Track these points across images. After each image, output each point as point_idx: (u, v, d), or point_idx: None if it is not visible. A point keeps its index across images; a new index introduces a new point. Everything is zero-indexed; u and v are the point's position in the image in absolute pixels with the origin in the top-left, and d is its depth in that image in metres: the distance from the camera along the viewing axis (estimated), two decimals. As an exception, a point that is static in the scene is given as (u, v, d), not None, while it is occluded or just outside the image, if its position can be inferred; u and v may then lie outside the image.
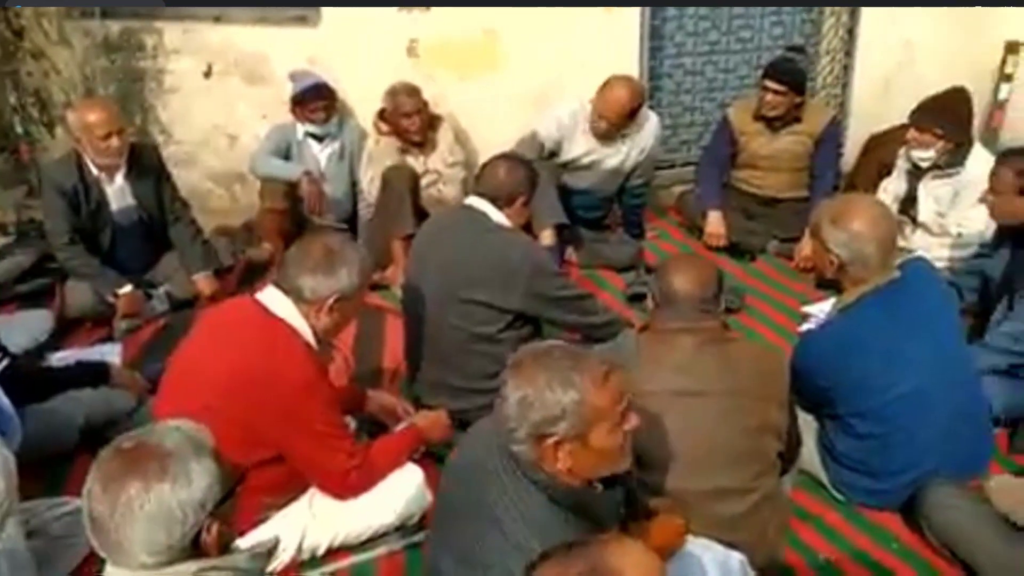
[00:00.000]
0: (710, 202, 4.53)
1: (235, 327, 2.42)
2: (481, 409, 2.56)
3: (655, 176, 4.73)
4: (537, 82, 4.67)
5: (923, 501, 2.58)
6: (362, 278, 2.44)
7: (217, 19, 4.61)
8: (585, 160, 4.30)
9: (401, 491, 2.55)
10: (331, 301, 2.37)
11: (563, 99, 4.34)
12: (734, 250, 4.50)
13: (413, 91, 4.28)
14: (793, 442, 2.49)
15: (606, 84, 4.10)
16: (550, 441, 1.73)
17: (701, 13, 5.00)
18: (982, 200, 3.17)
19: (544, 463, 1.76)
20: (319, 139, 4.39)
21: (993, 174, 3.09)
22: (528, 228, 3.98)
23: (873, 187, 4.27)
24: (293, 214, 4.30)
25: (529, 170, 3.08)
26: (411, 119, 4.26)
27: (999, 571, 2.39)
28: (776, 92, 4.29)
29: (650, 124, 4.32)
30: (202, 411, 2.22)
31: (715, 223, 4.48)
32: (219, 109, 4.81)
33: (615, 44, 4.72)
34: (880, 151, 4.38)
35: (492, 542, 1.73)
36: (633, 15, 4.72)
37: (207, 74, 4.72)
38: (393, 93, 4.28)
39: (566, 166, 4.33)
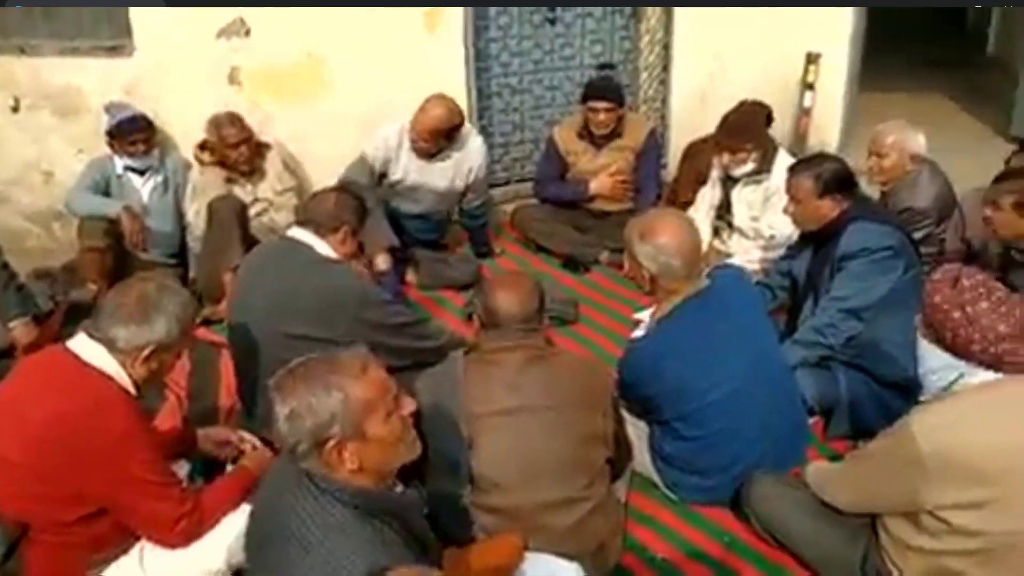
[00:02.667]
0: (581, 186, 4.64)
1: (46, 379, 2.30)
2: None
3: (491, 195, 4.81)
4: (365, 104, 4.67)
5: (747, 494, 2.72)
6: (181, 326, 2.35)
7: (22, 50, 4.39)
8: (412, 180, 4.32)
9: (236, 534, 2.48)
10: (147, 351, 2.29)
11: (391, 120, 4.36)
12: (568, 263, 4.63)
13: (236, 120, 4.20)
14: (622, 448, 2.59)
15: (424, 104, 4.15)
16: (330, 445, 1.75)
17: (524, 33, 5.14)
18: (786, 212, 3.37)
19: (334, 470, 1.78)
20: (140, 172, 4.25)
21: (790, 185, 3.30)
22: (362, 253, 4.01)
23: (694, 194, 4.49)
24: (116, 252, 4.12)
25: (357, 201, 3.08)
26: (237, 149, 4.18)
27: (812, 550, 2.55)
28: (606, 110, 4.45)
29: (475, 145, 4.40)
30: (12, 468, 2.12)
31: (599, 181, 4.60)
32: (31, 144, 4.59)
33: (441, 65, 4.78)
34: (697, 159, 4.61)
35: (309, 565, 1.70)
36: (456, 36, 4.80)
37: (15, 108, 4.50)
38: (216, 124, 4.19)
39: (395, 187, 4.35)
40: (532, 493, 2.30)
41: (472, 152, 4.37)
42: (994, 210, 3.11)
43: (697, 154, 4.63)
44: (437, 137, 4.18)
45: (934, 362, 2.21)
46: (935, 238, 3.83)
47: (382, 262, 4.10)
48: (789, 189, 3.30)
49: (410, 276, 4.43)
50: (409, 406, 1.88)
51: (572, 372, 2.40)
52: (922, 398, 2.29)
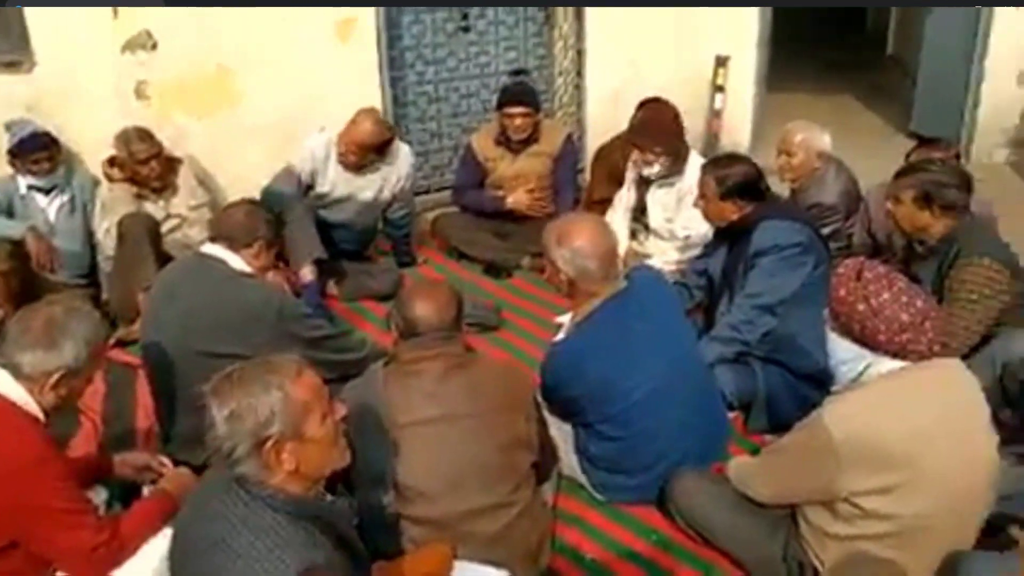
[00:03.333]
0: (498, 199, 4.66)
1: (-53, 409, 2.21)
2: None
3: (415, 204, 4.82)
4: (278, 115, 4.63)
5: (671, 491, 2.76)
6: (91, 351, 2.28)
7: (-90, 66, 4.21)
8: (340, 192, 4.31)
9: (161, 557, 2.42)
10: (55, 377, 2.22)
11: (307, 131, 4.34)
12: (490, 269, 4.65)
13: (146, 135, 4.10)
14: (547, 451, 2.61)
15: (353, 118, 4.15)
16: (270, 444, 1.75)
17: (438, 41, 5.16)
18: (695, 205, 3.46)
19: (271, 472, 1.77)
20: (45, 191, 4.11)
21: (700, 181, 3.39)
22: (284, 264, 3.97)
23: (607, 191, 4.59)
24: (23, 274, 3.96)
25: (269, 213, 3.05)
26: (148, 165, 4.09)
27: (734, 542, 2.61)
28: (523, 115, 4.48)
29: (403, 156, 4.40)
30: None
31: (516, 197, 4.62)
32: (-74, 165, 4.38)
33: (355, 74, 4.78)
34: (608, 157, 4.71)
35: (240, 569, 1.69)
36: (370, 46, 4.81)
37: (-91, 128, 4.30)
38: (125, 140, 4.09)
39: (322, 198, 4.31)
40: (458, 501, 2.29)
41: (400, 163, 4.38)
42: (896, 204, 3.22)
43: (608, 153, 4.72)
44: (365, 152, 4.17)
45: (843, 354, 2.27)
46: (843, 233, 3.97)
47: (307, 273, 4.07)
48: (699, 184, 3.39)
49: (332, 288, 4.39)
50: (341, 410, 1.92)
51: (493, 378, 2.41)
52: (833, 389, 2.36)
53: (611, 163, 4.60)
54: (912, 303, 2.18)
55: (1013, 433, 2.85)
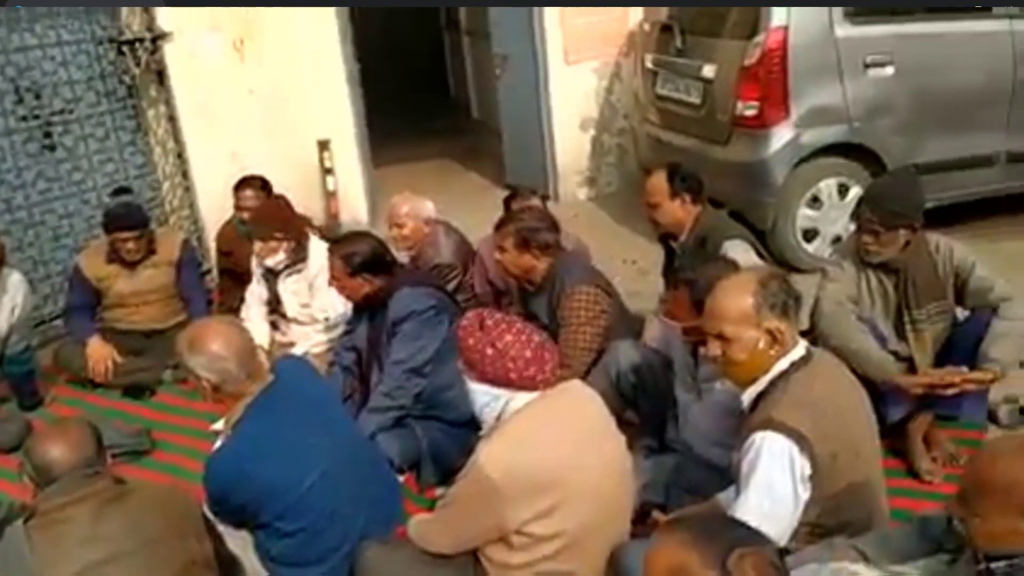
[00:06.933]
0: (86, 335, 4.42)
1: None
2: None
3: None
4: None
5: (359, 566, 2.77)
6: None
7: None
8: None
9: None
10: None
11: None
12: (130, 391, 4.41)
13: None
14: (226, 565, 2.53)
15: None
16: None
17: (22, 164, 4.84)
18: (330, 285, 3.58)
19: None
20: None
21: (330, 265, 3.52)
22: None
23: (241, 287, 4.61)
24: None
25: None
26: None
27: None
28: (135, 238, 4.33)
29: (14, 281, 4.11)
30: None
31: (97, 347, 4.38)
32: None
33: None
34: (225, 232, 4.85)
35: None
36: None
37: None
38: None
39: None
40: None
41: (13, 290, 4.07)
42: (502, 253, 3.57)
43: (223, 230, 4.88)
44: None
45: (483, 398, 2.46)
46: (466, 285, 4.32)
47: None
48: (330, 267, 3.51)
49: (-56, 453, 3.89)
50: None
51: (153, 505, 2.29)
52: (482, 433, 2.54)
53: (226, 236, 4.78)
54: (531, 339, 2.45)
55: (638, 430, 3.29)
